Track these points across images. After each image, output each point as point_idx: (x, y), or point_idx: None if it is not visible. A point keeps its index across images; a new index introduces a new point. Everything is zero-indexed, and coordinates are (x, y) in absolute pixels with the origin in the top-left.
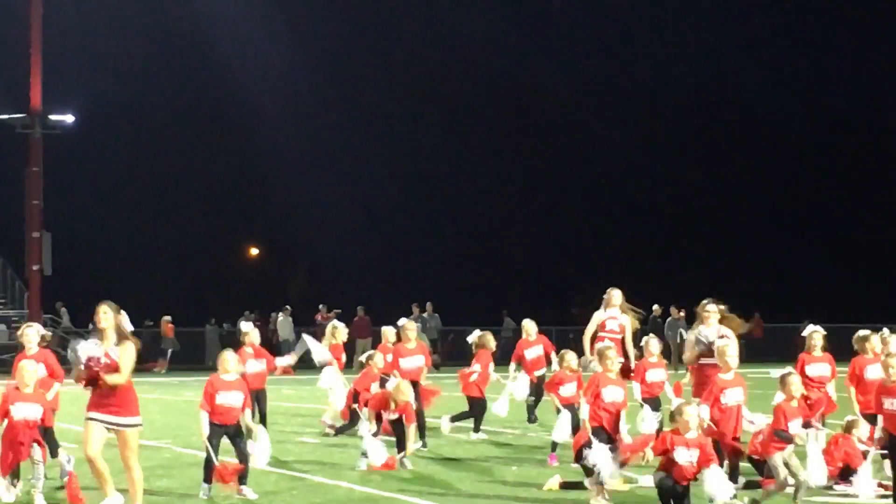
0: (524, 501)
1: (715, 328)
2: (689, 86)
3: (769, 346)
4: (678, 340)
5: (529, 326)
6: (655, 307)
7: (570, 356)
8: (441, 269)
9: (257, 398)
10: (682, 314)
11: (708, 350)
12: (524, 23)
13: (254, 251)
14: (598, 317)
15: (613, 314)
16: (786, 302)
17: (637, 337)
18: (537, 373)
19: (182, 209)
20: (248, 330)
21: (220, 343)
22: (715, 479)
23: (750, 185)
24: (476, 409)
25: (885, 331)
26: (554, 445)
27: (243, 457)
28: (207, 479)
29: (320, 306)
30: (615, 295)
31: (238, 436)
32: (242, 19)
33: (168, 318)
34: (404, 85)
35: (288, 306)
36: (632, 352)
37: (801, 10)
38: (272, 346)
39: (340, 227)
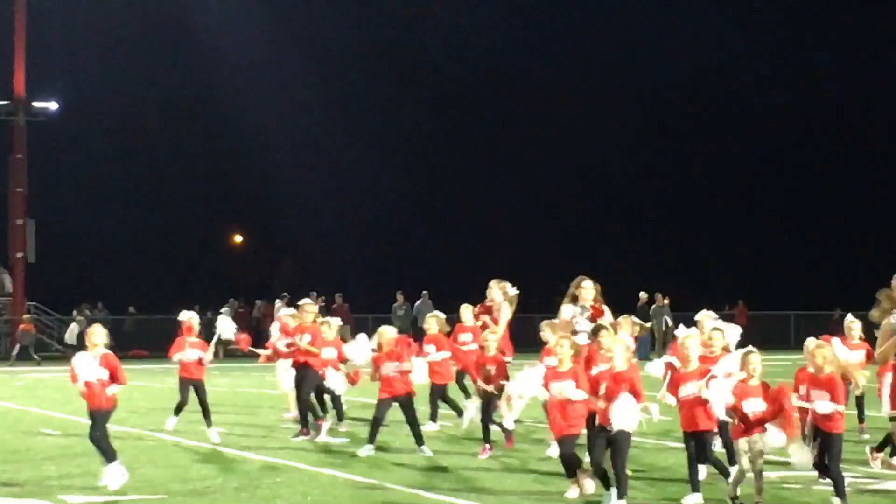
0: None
1: None
2: (684, 74)
3: (753, 333)
4: (662, 328)
5: (465, 313)
6: (642, 294)
7: (491, 338)
8: (427, 256)
9: (196, 388)
10: (666, 301)
11: None
12: (516, 10)
13: (238, 238)
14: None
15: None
16: (769, 290)
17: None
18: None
19: (166, 196)
20: (187, 318)
21: (202, 330)
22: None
23: (741, 175)
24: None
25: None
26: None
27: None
28: None
29: (311, 293)
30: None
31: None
32: (228, 6)
33: None
34: (390, 71)
35: (286, 294)
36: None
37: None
38: (261, 334)
39: (325, 214)
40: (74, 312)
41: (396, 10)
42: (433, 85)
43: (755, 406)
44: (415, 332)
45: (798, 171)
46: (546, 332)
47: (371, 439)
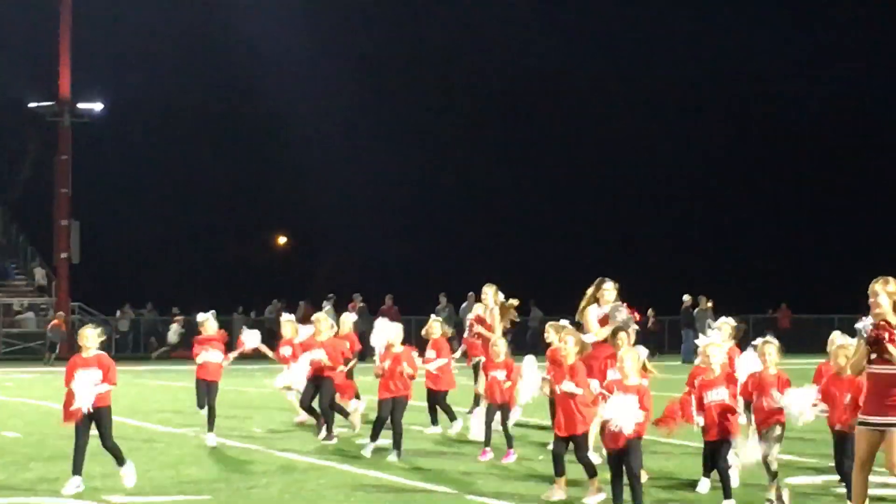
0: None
1: None
2: (724, 71)
3: (797, 337)
4: (706, 330)
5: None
6: (686, 298)
7: (500, 343)
8: (467, 259)
9: (209, 390)
10: (710, 304)
11: None
12: (546, 10)
13: (282, 239)
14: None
15: None
16: (813, 293)
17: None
18: (474, 359)
19: (210, 198)
20: (204, 320)
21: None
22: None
23: (782, 177)
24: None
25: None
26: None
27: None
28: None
29: (354, 296)
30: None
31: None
32: (269, 8)
33: None
34: (432, 74)
35: (332, 295)
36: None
37: None
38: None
39: (369, 215)
40: (118, 313)
41: (443, 17)
42: (480, 89)
43: (716, 396)
44: (459, 335)
45: (845, 173)
46: (550, 333)
47: (374, 436)
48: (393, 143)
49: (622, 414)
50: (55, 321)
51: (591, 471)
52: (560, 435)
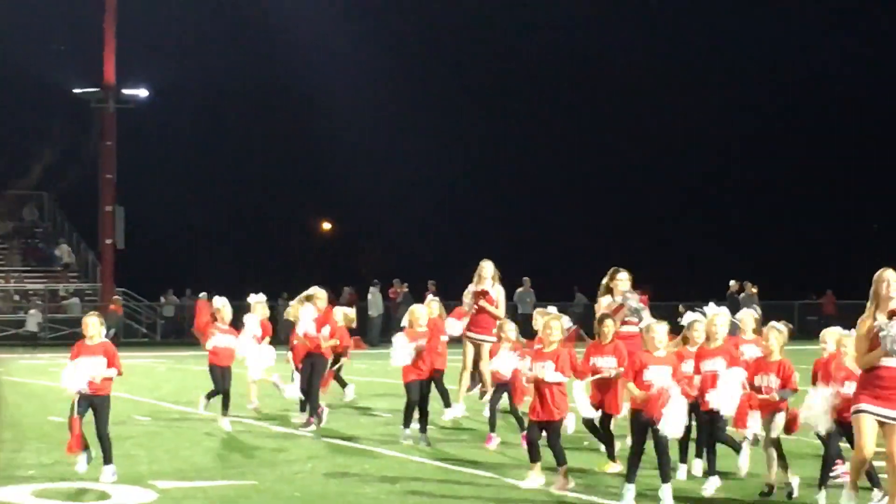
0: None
1: None
2: (767, 60)
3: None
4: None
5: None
6: (732, 283)
7: (509, 327)
8: (511, 245)
9: (223, 375)
10: (755, 290)
11: None
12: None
13: (326, 225)
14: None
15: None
16: (859, 279)
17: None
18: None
19: (254, 184)
20: (221, 305)
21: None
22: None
23: (829, 162)
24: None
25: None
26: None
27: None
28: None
29: (394, 281)
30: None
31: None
32: None
33: None
34: (476, 57)
35: (377, 280)
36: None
37: None
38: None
39: (414, 200)
40: (162, 299)
41: (484, 3)
42: (526, 72)
43: (770, 381)
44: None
45: (892, 158)
46: (538, 320)
47: (406, 422)
48: (438, 130)
49: (725, 397)
50: (112, 306)
51: (562, 458)
52: (535, 420)
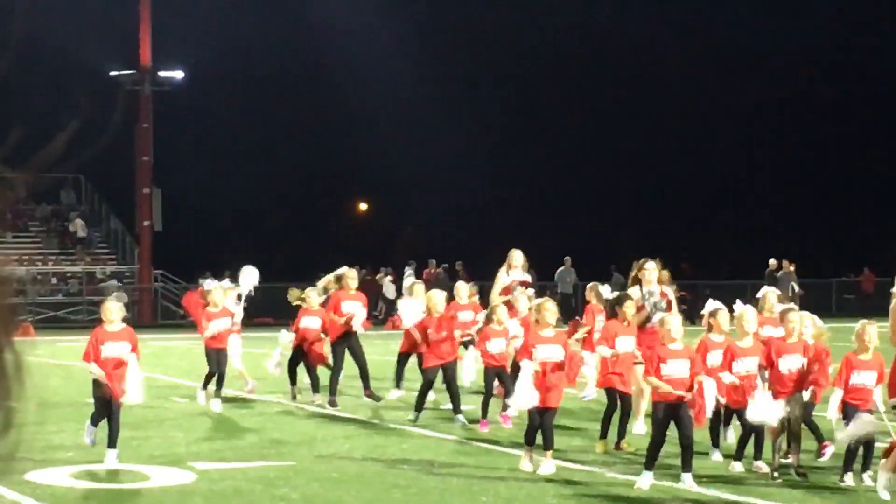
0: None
1: None
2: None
3: (880, 300)
4: (789, 294)
5: (461, 289)
6: (772, 261)
7: (501, 310)
8: (546, 225)
9: (218, 358)
10: (792, 268)
11: None
12: None
13: (362, 206)
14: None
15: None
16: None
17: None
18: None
19: (290, 165)
20: (212, 288)
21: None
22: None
23: (869, 141)
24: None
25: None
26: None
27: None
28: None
29: (430, 262)
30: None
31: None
32: None
33: None
34: (512, 34)
35: (412, 261)
36: None
37: None
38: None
39: (449, 182)
40: (200, 281)
41: None
42: (559, 47)
43: (792, 363)
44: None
45: None
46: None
47: (419, 406)
48: (474, 110)
49: (765, 413)
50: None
51: (551, 442)
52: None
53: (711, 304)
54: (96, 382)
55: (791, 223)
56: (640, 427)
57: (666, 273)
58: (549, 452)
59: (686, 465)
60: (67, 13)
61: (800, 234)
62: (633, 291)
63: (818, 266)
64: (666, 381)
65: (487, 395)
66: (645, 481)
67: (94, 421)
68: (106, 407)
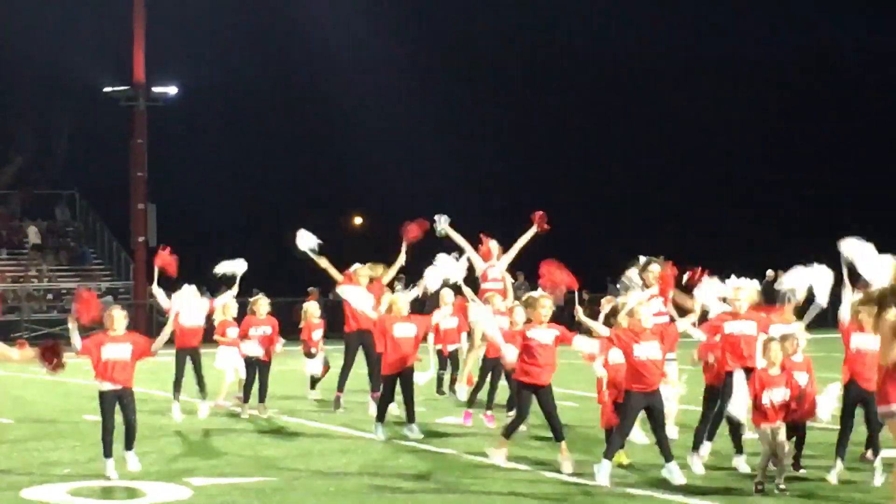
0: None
1: None
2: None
3: None
4: (785, 304)
5: (446, 295)
6: (769, 272)
7: (446, 293)
8: (541, 237)
9: (193, 358)
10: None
11: None
12: None
13: (357, 220)
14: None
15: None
16: None
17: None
18: (450, 346)
19: (285, 180)
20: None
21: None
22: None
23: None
24: None
25: None
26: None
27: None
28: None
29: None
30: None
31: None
32: None
33: None
34: (506, 45)
35: (402, 275)
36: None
37: None
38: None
39: (442, 194)
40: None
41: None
42: (551, 70)
43: (776, 396)
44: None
45: None
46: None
47: (381, 416)
48: (468, 123)
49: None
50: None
51: (561, 433)
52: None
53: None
54: (103, 395)
55: (785, 232)
56: (672, 432)
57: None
58: (563, 445)
59: (668, 456)
60: (61, 30)
61: (794, 244)
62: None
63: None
64: (638, 365)
65: (479, 386)
66: (604, 473)
67: (107, 446)
68: (112, 413)
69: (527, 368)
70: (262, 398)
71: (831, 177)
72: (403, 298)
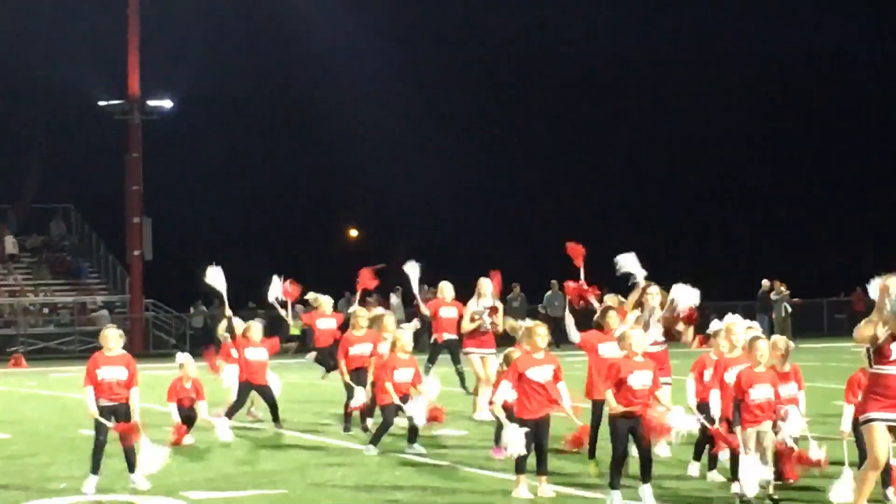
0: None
1: None
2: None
3: None
4: (782, 315)
5: (446, 288)
6: (765, 282)
7: (405, 337)
8: (537, 249)
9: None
10: (783, 288)
11: None
12: None
13: (353, 232)
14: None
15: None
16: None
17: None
18: (447, 335)
19: (280, 193)
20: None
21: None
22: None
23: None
24: None
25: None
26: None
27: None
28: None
29: (424, 287)
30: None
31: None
32: (337, 5)
33: None
34: (502, 60)
35: (399, 287)
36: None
37: None
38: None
39: (438, 207)
40: (191, 310)
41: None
42: (551, 73)
43: (761, 393)
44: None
45: None
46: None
47: (376, 441)
48: (464, 134)
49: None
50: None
51: (545, 465)
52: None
53: (716, 325)
54: (99, 426)
55: (781, 242)
56: (664, 450)
57: (664, 294)
58: (544, 478)
59: (646, 476)
60: (56, 44)
61: (790, 254)
62: (632, 315)
63: (809, 286)
64: (628, 393)
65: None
66: (616, 501)
67: (95, 464)
68: (105, 429)
69: (525, 405)
70: (275, 419)
71: (835, 183)
72: (407, 336)
